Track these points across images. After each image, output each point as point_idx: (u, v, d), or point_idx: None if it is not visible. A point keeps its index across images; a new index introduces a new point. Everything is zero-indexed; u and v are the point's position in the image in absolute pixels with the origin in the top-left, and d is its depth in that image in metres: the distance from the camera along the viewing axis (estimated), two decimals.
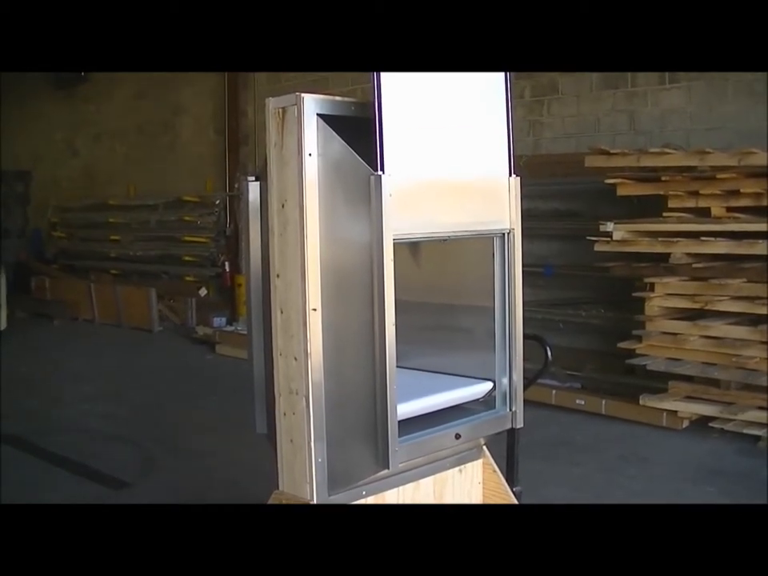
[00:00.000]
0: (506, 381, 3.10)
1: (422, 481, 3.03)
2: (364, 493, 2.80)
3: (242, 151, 12.12)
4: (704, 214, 6.49)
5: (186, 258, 12.65)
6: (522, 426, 3.18)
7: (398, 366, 2.65)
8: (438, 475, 3.09)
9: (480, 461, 3.27)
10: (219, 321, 11.09)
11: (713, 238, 6.21)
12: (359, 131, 2.61)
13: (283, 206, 2.70)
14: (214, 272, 12.22)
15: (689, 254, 6.43)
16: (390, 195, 2.56)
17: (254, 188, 2.94)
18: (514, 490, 3.46)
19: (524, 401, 3.15)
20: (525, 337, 3.13)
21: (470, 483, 3.24)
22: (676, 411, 6.42)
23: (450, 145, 2.85)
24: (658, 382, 6.66)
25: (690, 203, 6.54)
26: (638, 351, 6.67)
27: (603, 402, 6.91)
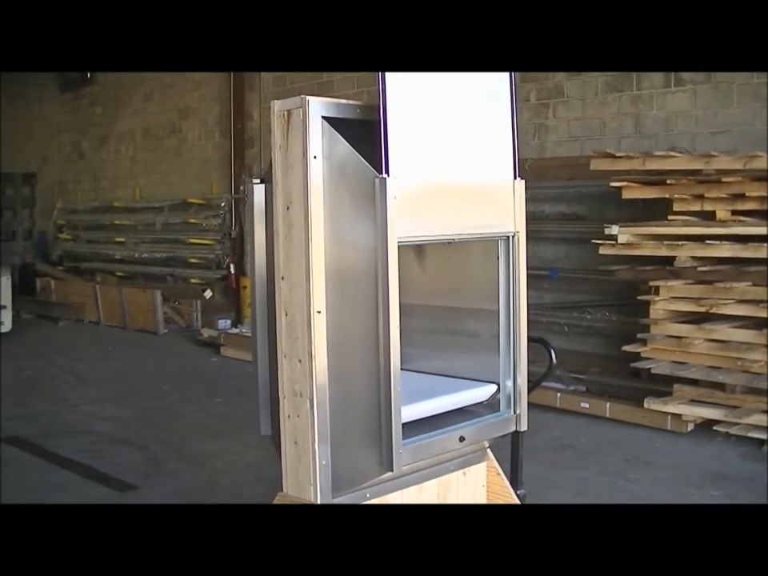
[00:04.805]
0: (510, 384, 3.10)
1: (426, 483, 3.03)
2: (368, 495, 2.80)
3: (248, 154, 12.15)
4: (709, 217, 6.48)
5: (191, 260, 12.68)
6: (526, 428, 3.17)
7: (402, 369, 2.65)
8: (442, 478, 3.09)
9: (484, 463, 3.26)
10: (224, 323, 11.09)
11: (718, 242, 6.21)
12: (364, 134, 2.61)
13: (288, 209, 2.70)
14: (219, 274, 12.24)
15: (694, 258, 6.42)
16: (395, 198, 2.55)
17: (259, 190, 2.94)
18: (518, 492, 3.46)
19: (528, 404, 3.14)
20: (529, 340, 3.12)
21: (474, 486, 3.23)
22: (680, 414, 6.40)
23: (454, 147, 2.85)
24: (663, 386, 6.65)
25: (696, 206, 6.54)
26: (642, 354, 6.66)
27: (608, 405, 6.90)
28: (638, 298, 6.78)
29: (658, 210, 6.86)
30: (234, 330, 10.71)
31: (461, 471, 3.17)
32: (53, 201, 16.23)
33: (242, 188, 11.63)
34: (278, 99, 2.73)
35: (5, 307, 11.01)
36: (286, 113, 2.68)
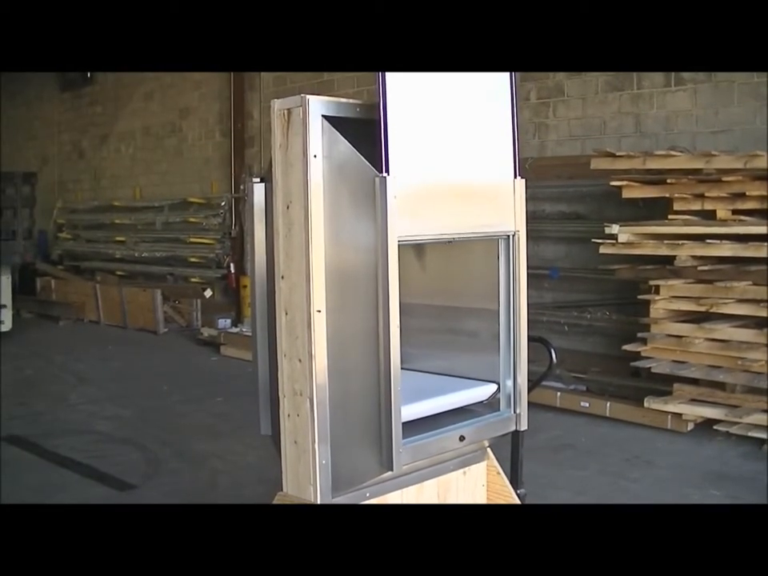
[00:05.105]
0: (510, 383, 3.10)
1: (426, 483, 3.03)
2: (368, 495, 2.80)
3: (248, 153, 12.15)
4: (709, 216, 6.48)
5: (192, 260, 12.68)
6: (526, 428, 3.17)
7: (402, 368, 2.65)
8: (441, 477, 3.09)
9: (484, 463, 3.27)
10: (224, 322, 11.09)
11: (718, 241, 6.21)
12: (364, 133, 2.61)
13: (288, 208, 2.70)
14: (219, 273, 12.24)
15: (694, 257, 6.42)
16: (395, 197, 2.55)
17: (259, 189, 2.94)
18: (518, 492, 3.46)
19: (528, 403, 3.14)
20: (529, 339, 3.13)
21: (474, 485, 3.23)
22: (681, 414, 6.40)
23: (455, 146, 2.85)
24: (663, 385, 6.65)
25: (696, 206, 6.54)
26: (642, 354, 6.66)
27: (608, 404, 6.90)
28: (639, 297, 6.78)
29: (658, 210, 6.86)
30: (234, 330, 10.71)
31: (461, 471, 3.17)
32: (53, 200, 16.24)
33: (242, 187, 11.63)
34: (278, 98, 2.73)
35: (5, 306, 11.00)
36: (286, 112, 2.68)
